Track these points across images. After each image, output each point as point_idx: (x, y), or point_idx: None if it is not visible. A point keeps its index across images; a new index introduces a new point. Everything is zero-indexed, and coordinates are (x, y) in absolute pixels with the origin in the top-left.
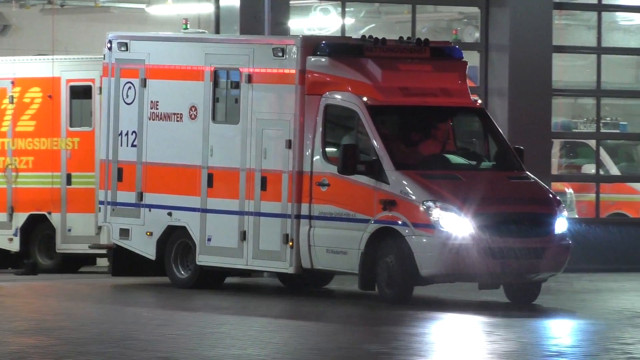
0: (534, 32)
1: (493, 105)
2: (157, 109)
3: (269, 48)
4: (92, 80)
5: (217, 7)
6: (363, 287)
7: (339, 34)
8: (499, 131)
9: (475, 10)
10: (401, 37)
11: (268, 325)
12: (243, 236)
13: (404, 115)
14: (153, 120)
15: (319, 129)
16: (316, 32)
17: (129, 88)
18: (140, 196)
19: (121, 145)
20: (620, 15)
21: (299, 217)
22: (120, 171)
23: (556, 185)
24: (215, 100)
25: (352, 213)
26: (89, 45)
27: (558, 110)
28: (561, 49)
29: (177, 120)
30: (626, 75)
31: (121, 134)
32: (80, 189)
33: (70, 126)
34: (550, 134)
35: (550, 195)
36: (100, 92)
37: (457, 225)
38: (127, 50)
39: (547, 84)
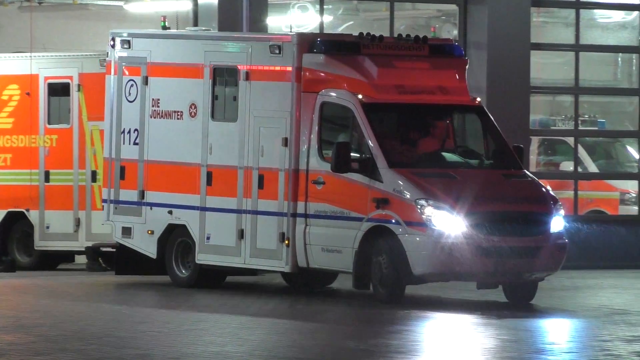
0: (512, 30)
1: None
2: (158, 106)
3: (266, 45)
4: (70, 77)
5: (196, 4)
6: (357, 286)
7: (317, 32)
8: (498, 129)
9: (453, 7)
10: (400, 35)
11: (247, 322)
12: (241, 235)
13: (399, 113)
14: (154, 118)
15: (315, 127)
16: (295, 30)
17: (132, 86)
18: (142, 194)
19: (123, 144)
20: (598, 13)
21: (295, 215)
22: (122, 169)
23: None
24: (214, 98)
25: (347, 211)
26: (67, 42)
27: (536, 107)
28: (539, 47)
29: (178, 118)
30: (604, 72)
31: (124, 132)
32: (58, 186)
33: (48, 123)
34: (529, 132)
35: (547, 194)
36: (79, 89)
37: (449, 223)
38: (129, 47)
39: (525, 81)
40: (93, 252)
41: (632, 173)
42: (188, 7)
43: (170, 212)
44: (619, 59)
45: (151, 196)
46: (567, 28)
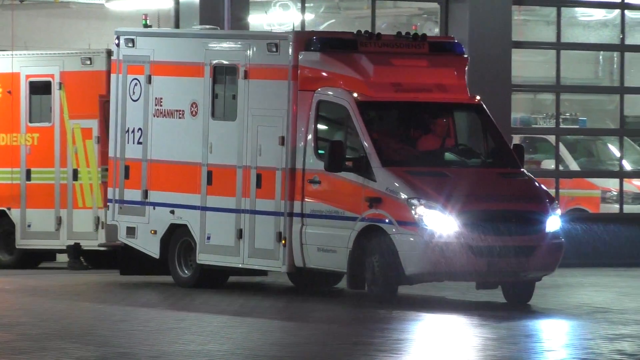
0: (493, 28)
1: None
2: (161, 105)
3: (264, 43)
4: (52, 75)
5: (177, 2)
6: (352, 286)
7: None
8: (496, 127)
9: (434, 5)
10: (399, 32)
11: (228, 321)
12: (239, 234)
13: (395, 111)
14: (157, 117)
15: (312, 126)
16: (276, 28)
17: (135, 85)
18: (145, 194)
19: (128, 143)
20: (579, 11)
21: (291, 215)
22: (127, 169)
23: None
24: (214, 96)
25: (341, 211)
26: (48, 40)
27: (517, 105)
28: (520, 45)
29: (180, 117)
30: (585, 70)
31: (128, 131)
32: (39, 185)
33: (30, 122)
34: (510, 130)
35: (543, 193)
36: (60, 88)
37: (441, 223)
38: (133, 46)
39: (507, 79)
40: (74, 251)
41: (614, 171)
42: (169, 5)
43: (172, 212)
44: (600, 57)
45: (154, 196)
46: (549, 26)
